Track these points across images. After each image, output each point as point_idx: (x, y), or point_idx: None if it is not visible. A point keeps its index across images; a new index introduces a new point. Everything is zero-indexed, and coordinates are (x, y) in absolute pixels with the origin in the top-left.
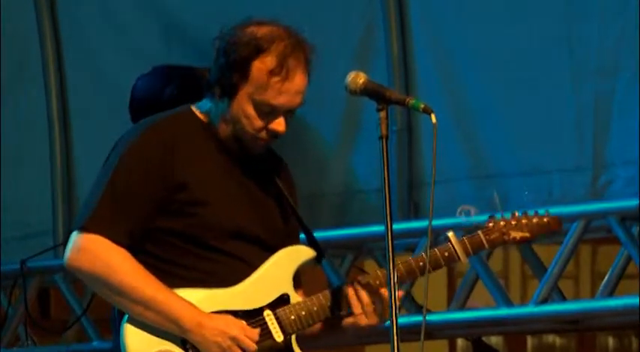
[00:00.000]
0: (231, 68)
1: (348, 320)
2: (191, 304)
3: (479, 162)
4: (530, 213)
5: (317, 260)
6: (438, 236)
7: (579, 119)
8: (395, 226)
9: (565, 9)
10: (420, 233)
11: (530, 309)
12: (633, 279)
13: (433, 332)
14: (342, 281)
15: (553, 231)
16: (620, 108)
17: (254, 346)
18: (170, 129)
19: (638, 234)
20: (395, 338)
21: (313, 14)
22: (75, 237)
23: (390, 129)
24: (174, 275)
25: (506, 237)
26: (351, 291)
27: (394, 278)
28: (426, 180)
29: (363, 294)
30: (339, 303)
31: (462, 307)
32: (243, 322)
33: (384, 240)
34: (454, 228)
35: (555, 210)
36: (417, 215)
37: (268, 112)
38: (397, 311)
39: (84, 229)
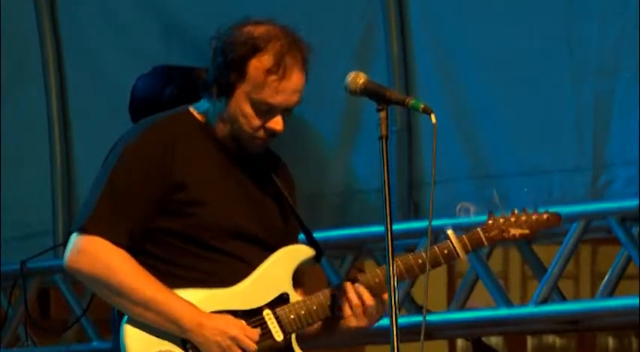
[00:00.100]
0: (229, 67)
1: (339, 322)
2: (191, 304)
3: (479, 162)
4: (530, 210)
5: (316, 259)
6: (438, 236)
7: (579, 119)
8: (395, 226)
9: (565, 9)
10: (420, 233)
11: (530, 309)
12: (633, 279)
13: (433, 332)
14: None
15: (553, 227)
16: (620, 108)
17: (254, 346)
18: (169, 129)
19: (638, 235)
20: (395, 338)
21: (313, 14)
22: (74, 238)
23: (389, 130)
24: (173, 276)
25: (505, 234)
26: (342, 292)
27: (394, 279)
28: (425, 180)
29: (353, 296)
30: (339, 302)
31: (462, 307)
32: (243, 322)
33: (384, 241)
34: (454, 228)
35: (555, 210)
36: (417, 215)
37: (266, 111)
38: (397, 312)
39: (83, 230)
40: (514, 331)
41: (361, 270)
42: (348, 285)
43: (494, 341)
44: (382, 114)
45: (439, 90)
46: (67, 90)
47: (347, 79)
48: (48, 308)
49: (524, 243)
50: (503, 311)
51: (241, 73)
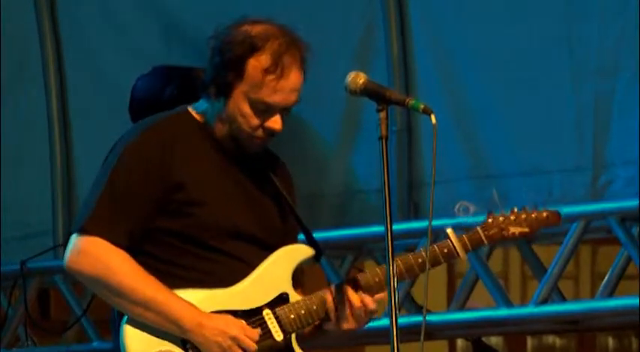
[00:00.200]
0: (227, 67)
1: (329, 324)
2: (191, 304)
3: (479, 162)
4: (529, 208)
5: (316, 258)
6: (438, 236)
7: (579, 119)
8: (395, 226)
9: (565, 9)
10: (420, 233)
11: (530, 310)
12: (633, 280)
13: (433, 332)
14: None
15: (552, 225)
16: (620, 108)
17: (254, 345)
18: (169, 129)
19: (638, 235)
20: (395, 338)
21: (313, 14)
22: (74, 239)
23: (389, 130)
24: (173, 276)
25: (505, 233)
26: (329, 296)
27: (394, 279)
28: (425, 180)
29: (342, 298)
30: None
31: (462, 307)
32: (243, 322)
33: (384, 241)
34: (454, 228)
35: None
36: (416, 215)
37: (264, 110)
38: (397, 312)
39: (83, 231)
40: (514, 331)
41: (361, 270)
42: (337, 288)
43: (495, 341)
44: (382, 114)
45: (439, 90)
46: (67, 90)
47: (347, 79)
48: (48, 308)
49: (524, 243)
50: (503, 312)
51: (239, 73)
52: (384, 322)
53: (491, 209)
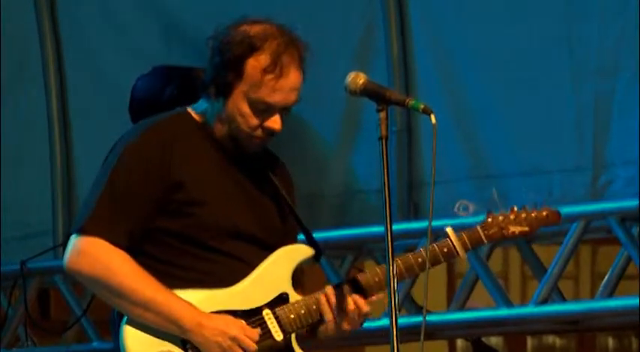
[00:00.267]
0: (226, 67)
1: (321, 327)
2: (191, 304)
3: (479, 162)
4: (529, 208)
5: (315, 258)
6: (438, 236)
7: (579, 119)
8: (395, 227)
9: (565, 9)
10: (420, 233)
11: (530, 310)
12: (633, 280)
13: (433, 332)
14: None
15: (552, 224)
16: (620, 108)
17: (254, 346)
18: (169, 130)
19: (638, 235)
20: (395, 338)
21: (313, 14)
22: (74, 239)
23: (389, 130)
24: (172, 276)
25: (505, 232)
26: (322, 298)
27: (394, 279)
28: (425, 180)
29: (335, 301)
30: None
31: (462, 307)
32: (243, 322)
33: (384, 241)
34: (454, 228)
35: None
36: (416, 215)
37: (263, 110)
38: (397, 312)
39: (83, 231)
40: (514, 331)
41: (361, 270)
42: (330, 290)
43: (495, 341)
44: (382, 114)
45: (439, 90)
46: (67, 90)
47: (347, 79)
48: (48, 308)
49: (524, 243)
50: (503, 312)
51: (238, 73)
52: (384, 322)
53: (491, 209)
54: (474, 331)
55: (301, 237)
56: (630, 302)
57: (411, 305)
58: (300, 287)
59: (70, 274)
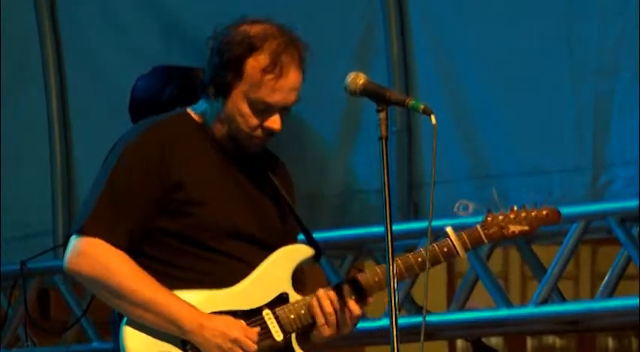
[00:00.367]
0: (225, 67)
1: (314, 331)
2: (191, 305)
3: (479, 162)
4: (529, 207)
5: (315, 258)
6: (438, 237)
7: (579, 119)
8: (395, 227)
9: (565, 9)
10: (420, 234)
11: (529, 310)
12: (633, 280)
13: (433, 332)
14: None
15: (552, 223)
16: (620, 108)
17: (254, 347)
18: (169, 130)
19: (638, 235)
20: (395, 338)
21: (313, 14)
22: (74, 240)
23: (389, 130)
24: (172, 277)
25: (505, 231)
26: (314, 301)
27: (394, 280)
28: (425, 180)
29: (327, 304)
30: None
31: (462, 308)
32: (243, 322)
33: (384, 241)
34: (454, 228)
35: None
36: (416, 216)
37: (263, 110)
38: (397, 312)
39: (83, 232)
40: (514, 331)
41: (361, 270)
42: (322, 293)
43: (494, 341)
44: (382, 114)
45: (439, 90)
46: (67, 90)
47: (347, 80)
48: (48, 308)
49: (524, 244)
50: (503, 312)
51: (238, 73)
52: (384, 322)
53: (491, 209)
54: (474, 331)
55: (301, 237)
56: (630, 302)
57: (411, 305)
58: (302, 287)
59: (70, 275)
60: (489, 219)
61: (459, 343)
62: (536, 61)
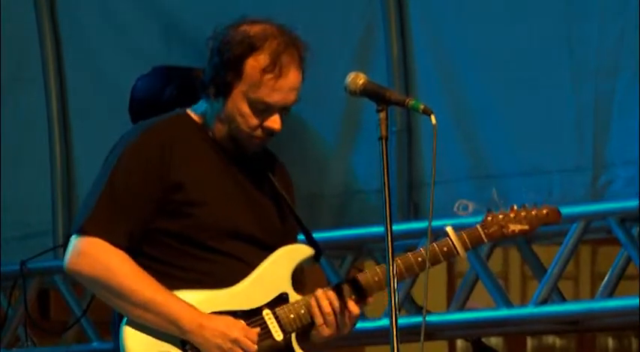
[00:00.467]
0: (225, 67)
1: (313, 331)
2: (191, 305)
3: (479, 162)
4: (529, 206)
5: (315, 258)
6: (438, 237)
7: (579, 119)
8: (395, 227)
9: (565, 9)
10: (420, 234)
11: (529, 310)
12: (633, 280)
13: (433, 332)
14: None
15: (552, 222)
16: (620, 108)
17: (254, 347)
18: (168, 130)
19: (638, 235)
20: (395, 338)
21: (313, 14)
22: (74, 240)
23: (389, 130)
24: (171, 277)
25: (505, 231)
26: (313, 301)
27: (394, 280)
28: (425, 180)
29: (325, 304)
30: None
31: (462, 308)
32: (243, 322)
33: (383, 241)
34: (454, 228)
35: None
36: (416, 216)
37: (263, 110)
38: (397, 312)
39: (83, 232)
40: (514, 331)
41: (361, 270)
42: (321, 293)
43: (494, 341)
44: (382, 114)
45: (439, 90)
46: (66, 90)
47: (347, 80)
48: (48, 308)
49: (524, 244)
50: (503, 312)
51: (238, 73)
52: (384, 322)
53: (491, 208)
54: (474, 331)
55: (301, 237)
56: (630, 302)
57: (411, 305)
58: (302, 287)
59: (70, 275)
60: (489, 218)
61: (459, 343)
62: (536, 61)
